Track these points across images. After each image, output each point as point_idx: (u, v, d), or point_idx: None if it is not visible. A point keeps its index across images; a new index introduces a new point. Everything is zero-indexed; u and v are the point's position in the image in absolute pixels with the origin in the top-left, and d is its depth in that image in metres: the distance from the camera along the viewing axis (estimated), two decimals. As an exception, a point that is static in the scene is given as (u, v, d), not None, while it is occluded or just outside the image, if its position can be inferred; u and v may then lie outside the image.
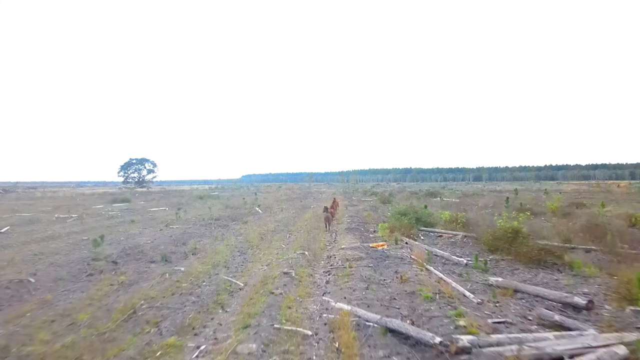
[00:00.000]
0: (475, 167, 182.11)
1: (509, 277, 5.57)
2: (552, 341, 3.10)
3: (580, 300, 4.09)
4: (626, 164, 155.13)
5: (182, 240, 9.41)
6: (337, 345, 3.37)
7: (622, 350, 2.88)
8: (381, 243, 8.22)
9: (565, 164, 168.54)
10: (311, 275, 6.01)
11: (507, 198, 14.01)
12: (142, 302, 4.54)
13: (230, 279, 5.74)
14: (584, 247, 7.26)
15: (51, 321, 4.01)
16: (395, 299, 4.66)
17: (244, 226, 12.49)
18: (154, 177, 74.98)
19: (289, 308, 4.36)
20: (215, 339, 3.56)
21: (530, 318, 3.91)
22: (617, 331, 3.31)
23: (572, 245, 7.33)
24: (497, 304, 4.40)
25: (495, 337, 3.26)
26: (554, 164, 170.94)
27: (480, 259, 6.38)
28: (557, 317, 3.70)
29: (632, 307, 3.98)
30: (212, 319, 4.13)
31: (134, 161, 74.07)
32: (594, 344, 3.00)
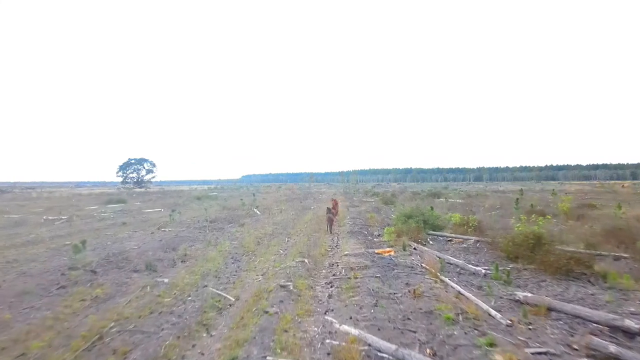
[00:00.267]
0: (475, 167, 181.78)
1: (536, 291, 4.90)
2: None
3: (633, 324, 3.43)
4: (627, 164, 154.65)
5: (172, 245, 8.74)
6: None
7: None
8: (388, 249, 7.55)
9: (566, 164, 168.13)
10: (311, 287, 5.33)
11: (517, 199, 13.33)
12: (113, 324, 3.86)
13: (220, 292, 5.07)
14: (611, 254, 6.59)
15: (-1, 350, 3.34)
16: (409, 318, 3.99)
17: (241, 229, 11.82)
18: (153, 177, 74.43)
19: (286, 332, 3.68)
20: (194, 376, 2.90)
21: (576, 347, 3.24)
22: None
23: (598, 252, 6.66)
24: (530, 327, 3.73)
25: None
26: (554, 164, 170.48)
27: (499, 268, 5.72)
28: (612, 347, 3.03)
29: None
30: (193, 346, 3.46)
31: (133, 161, 73.49)
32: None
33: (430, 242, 8.60)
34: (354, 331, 3.58)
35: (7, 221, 14.18)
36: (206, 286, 5.38)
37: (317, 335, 3.64)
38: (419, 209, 11.20)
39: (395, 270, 6.05)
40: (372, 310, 4.25)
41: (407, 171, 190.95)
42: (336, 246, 8.76)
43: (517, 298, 4.50)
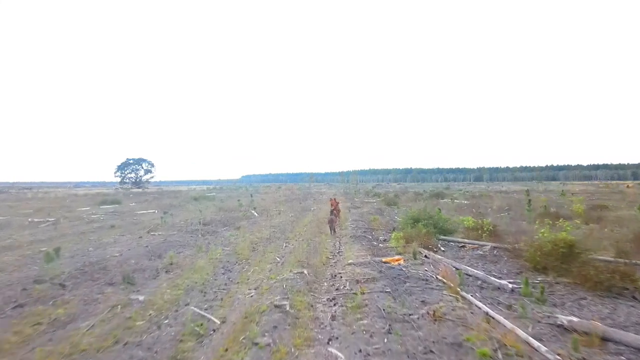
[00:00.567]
0: (475, 168, 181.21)
1: (578, 312, 4.14)
2: None
3: None
4: (628, 164, 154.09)
5: (158, 252, 7.97)
6: None
7: None
8: (396, 257, 6.78)
9: (566, 164, 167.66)
10: (311, 305, 4.56)
11: (529, 201, 12.56)
12: (63, 360, 3.10)
13: (203, 312, 4.30)
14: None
15: None
16: (432, 351, 3.23)
17: (236, 233, 11.04)
18: (151, 177, 73.70)
19: (279, 372, 2.92)
20: None
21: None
22: None
23: (635, 262, 5.89)
24: (586, 365, 2.97)
25: None
26: (555, 165, 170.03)
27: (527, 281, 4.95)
28: None
29: None
30: (159, 395, 2.70)
31: (131, 161, 72.74)
32: None
33: (442, 249, 7.83)
34: (365, 372, 2.82)
35: (-11, 224, 13.40)
36: (188, 304, 4.60)
37: (318, 378, 2.87)
38: (426, 211, 10.43)
39: (408, 284, 5.28)
40: (385, 340, 3.49)
41: (407, 171, 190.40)
42: (338, 252, 8.00)
43: (560, 322, 3.73)
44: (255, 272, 6.28)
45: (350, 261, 6.77)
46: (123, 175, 71.19)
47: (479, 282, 5.36)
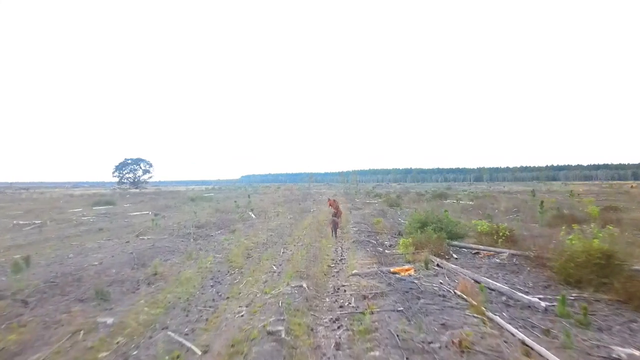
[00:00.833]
0: (475, 168, 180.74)
1: (630, 338, 3.45)
2: None
3: None
4: (628, 164, 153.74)
5: (143, 260, 7.27)
6: None
7: None
8: (406, 267, 6.08)
9: (566, 164, 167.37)
10: (311, 329, 3.86)
11: (542, 202, 11.87)
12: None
13: (183, 339, 3.60)
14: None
15: None
16: (465, 399, 2.53)
17: (230, 237, 10.34)
18: (150, 177, 72.94)
19: None
20: None
21: None
22: None
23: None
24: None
25: None
26: (555, 164, 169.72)
27: (554, 295, 4.26)
28: None
29: None
30: None
31: (129, 161, 71.99)
32: None
33: (454, 256, 7.14)
34: None
35: (-29, 227, 12.69)
36: (166, 328, 3.90)
37: None
38: (434, 213, 9.74)
39: (422, 300, 4.58)
40: (404, 380, 2.79)
41: (407, 171, 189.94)
42: (341, 260, 7.30)
43: (617, 356, 3.04)
44: (249, 285, 5.59)
45: (354, 271, 6.07)
46: (121, 175, 70.48)
47: (504, 298, 4.66)
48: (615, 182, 74.20)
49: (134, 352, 3.35)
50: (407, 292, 4.93)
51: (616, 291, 4.29)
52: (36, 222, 14.12)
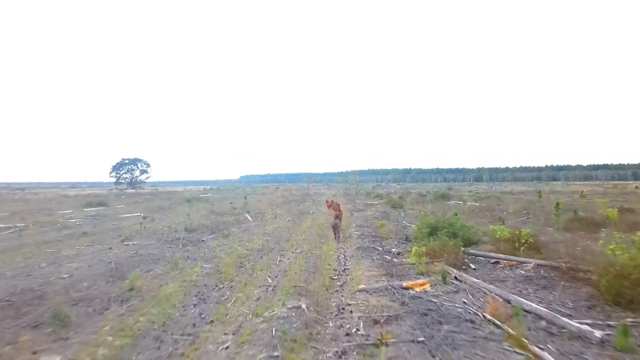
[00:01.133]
0: (475, 168, 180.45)
1: None
2: None
3: None
4: (628, 164, 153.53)
5: (122, 270, 6.46)
6: None
7: None
8: (421, 281, 5.28)
9: (566, 165, 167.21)
10: (312, 369, 3.07)
11: (557, 204, 11.09)
12: None
13: (146, 386, 2.81)
14: None
15: None
16: None
17: (223, 242, 9.54)
18: (147, 177, 72.12)
19: None
20: None
21: None
22: None
23: None
24: None
25: None
26: (554, 165, 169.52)
27: (605, 319, 3.49)
28: None
29: None
30: None
31: (127, 161, 71.16)
32: None
33: (472, 266, 6.35)
34: None
35: (-54, 230, 11.85)
36: (129, 367, 3.11)
37: None
38: (444, 217, 8.95)
39: (446, 327, 3.79)
40: None
41: (407, 171, 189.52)
42: (344, 271, 6.50)
43: None
44: (238, 303, 4.79)
45: (361, 286, 5.27)
46: (118, 175, 69.67)
47: (544, 323, 3.87)
48: (616, 182, 73.36)
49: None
50: (425, 314, 4.14)
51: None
52: (18, 225, 13.30)
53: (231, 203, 19.07)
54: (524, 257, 6.46)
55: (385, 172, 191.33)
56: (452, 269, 5.91)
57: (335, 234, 9.61)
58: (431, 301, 4.55)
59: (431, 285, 5.14)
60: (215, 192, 47.33)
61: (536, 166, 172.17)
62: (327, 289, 5.37)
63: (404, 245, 8.42)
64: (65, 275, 6.05)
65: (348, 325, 3.97)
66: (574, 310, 4.24)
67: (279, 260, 7.32)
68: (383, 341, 3.48)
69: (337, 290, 5.31)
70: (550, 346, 3.36)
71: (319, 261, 7.14)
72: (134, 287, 5.40)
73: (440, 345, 3.39)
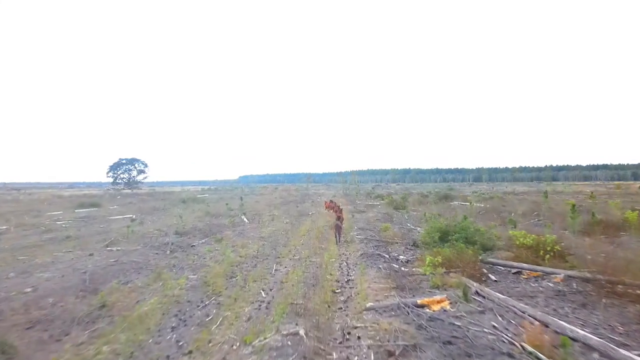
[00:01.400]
0: (474, 168, 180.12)
1: None
2: None
3: None
4: (627, 164, 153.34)
5: (98, 282, 5.72)
6: None
7: None
8: (438, 297, 4.55)
9: (565, 165, 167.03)
10: None
11: (573, 205, 10.37)
12: None
13: None
14: None
15: None
16: None
17: (215, 247, 8.81)
18: (145, 177, 71.25)
19: None
20: None
21: None
22: None
23: None
24: None
25: None
26: (554, 165, 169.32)
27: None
28: None
29: None
30: None
31: (124, 161, 70.30)
32: None
33: (492, 277, 5.63)
34: None
35: None
36: None
37: None
38: (455, 220, 8.24)
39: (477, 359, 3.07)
40: None
41: (406, 172, 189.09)
42: (348, 282, 5.78)
43: None
44: (225, 325, 4.06)
45: (369, 304, 4.53)
46: (115, 175, 68.87)
47: (596, 356, 3.16)
48: (617, 182, 72.67)
49: None
50: (449, 342, 3.42)
51: None
52: (0, 228, 12.54)
53: (227, 204, 18.32)
54: (549, 267, 5.74)
55: (385, 172, 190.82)
56: (470, 281, 5.19)
57: (336, 236, 9.23)
58: (454, 324, 3.83)
59: (450, 303, 4.42)
60: (212, 193, 46.54)
61: (535, 166, 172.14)
62: (329, 306, 4.64)
63: (412, 252, 7.69)
64: (29, 290, 5.30)
65: (356, 358, 3.25)
66: (627, 336, 3.52)
67: (275, 269, 6.59)
68: (401, 383, 2.75)
69: (341, 308, 4.59)
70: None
71: (319, 270, 6.42)
72: (105, 304, 4.66)
73: (475, 389, 2.67)
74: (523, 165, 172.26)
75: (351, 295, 5.05)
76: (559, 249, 5.98)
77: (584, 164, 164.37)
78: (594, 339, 3.31)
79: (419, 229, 11.25)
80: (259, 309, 4.55)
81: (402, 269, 6.38)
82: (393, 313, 4.23)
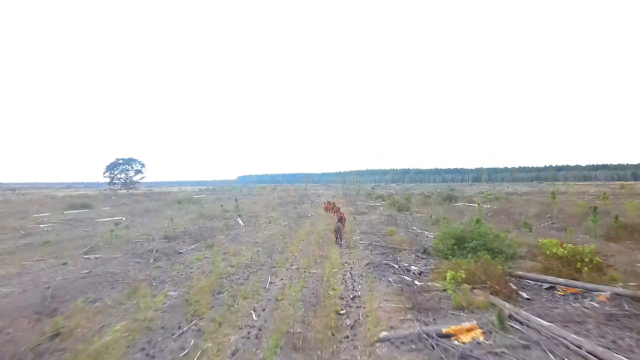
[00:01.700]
0: (473, 168, 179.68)
1: None
2: None
3: None
4: (627, 164, 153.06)
5: (61, 299, 4.88)
6: None
7: None
8: (467, 325, 3.72)
9: (565, 165, 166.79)
10: None
11: (595, 208, 9.57)
12: None
13: None
14: None
15: None
16: None
17: (205, 254, 7.97)
18: (142, 177, 70.39)
19: None
20: None
21: None
22: None
23: None
24: None
25: None
26: (553, 165, 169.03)
27: None
28: None
29: None
30: None
31: (121, 161, 69.46)
32: None
33: (523, 294, 4.80)
34: None
35: None
36: None
37: None
38: (471, 225, 7.41)
39: None
40: None
41: (405, 172, 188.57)
42: (354, 299, 4.94)
43: None
44: (203, 363, 3.22)
45: (382, 333, 3.70)
46: (112, 176, 68.00)
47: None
48: (620, 182, 71.90)
49: None
50: (493, 395, 2.58)
51: None
52: (-24, 231, 11.66)
53: (221, 206, 17.46)
54: (589, 282, 4.92)
55: (384, 172, 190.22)
56: (500, 300, 4.37)
57: (337, 239, 8.84)
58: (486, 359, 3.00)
59: (483, 332, 3.59)
60: (210, 193, 45.68)
61: (535, 166, 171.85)
62: (332, 333, 3.80)
63: (424, 261, 6.86)
64: (-26, 311, 4.45)
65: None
66: None
67: (270, 282, 5.76)
68: None
69: (348, 337, 3.75)
70: None
71: (320, 284, 5.59)
72: (60, 332, 3.82)
73: None
74: (522, 166, 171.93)
75: (359, 318, 4.22)
76: (599, 260, 5.14)
77: (583, 164, 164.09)
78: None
79: (426, 233, 10.43)
80: (248, 339, 3.71)
81: (416, 282, 5.54)
82: (414, 346, 3.40)
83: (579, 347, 3.17)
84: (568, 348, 3.21)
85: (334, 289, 5.35)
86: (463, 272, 4.67)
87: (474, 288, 4.75)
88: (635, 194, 30.30)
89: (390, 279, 5.74)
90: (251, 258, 7.55)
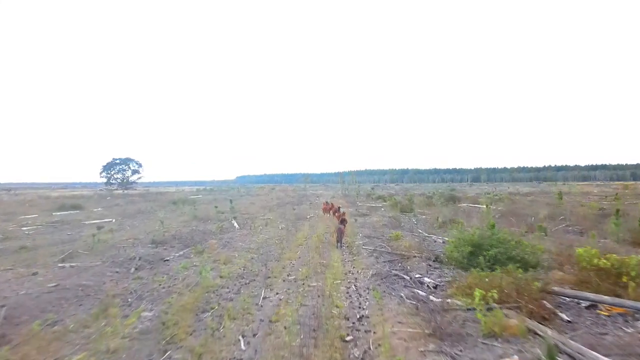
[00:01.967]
0: (472, 168, 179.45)
1: None
2: None
3: None
4: (626, 164, 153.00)
5: (15, 321, 4.12)
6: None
7: None
8: (507, 361, 2.98)
9: (564, 165, 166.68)
10: None
11: (618, 210, 8.86)
12: None
13: None
14: None
15: None
16: None
17: (193, 262, 7.22)
18: (139, 177, 69.60)
19: None
20: None
21: None
22: None
23: None
24: None
25: None
26: (553, 165, 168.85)
27: None
28: None
29: None
30: None
31: (118, 161, 68.67)
32: None
33: (563, 316, 4.07)
34: None
35: None
36: None
37: None
38: (490, 231, 6.66)
39: None
40: None
41: (404, 172, 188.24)
42: (360, 320, 4.19)
43: None
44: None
45: (401, 372, 2.96)
46: (109, 176, 67.16)
47: None
48: (621, 182, 71.40)
49: None
50: None
51: None
52: (-49, 235, 10.87)
53: (216, 207, 16.69)
54: (636, 299, 4.18)
55: (383, 172, 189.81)
56: (537, 324, 3.64)
57: (337, 241, 8.51)
58: None
59: (528, 371, 2.84)
60: (207, 193, 44.86)
61: (534, 166, 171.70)
62: (338, 371, 3.05)
63: (437, 272, 6.12)
64: None
65: None
66: None
67: (263, 298, 5.00)
68: None
69: (357, 375, 3.00)
70: None
71: (321, 300, 4.84)
72: (-1, 369, 3.07)
73: None
74: (521, 166, 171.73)
75: (369, 348, 3.47)
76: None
77: (583, 164, 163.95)
78: None
79: (434, 237, 9.70)
80: (232, 380, 2.96)
81: (432, 298, 4.80)
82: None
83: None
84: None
85: (337, 306, 4.60)
86: (495, 291, 3.91)
87: (504, 307, 4.01)
88: (637, 194, 29.71)
89: (401, 294, 5.00)
90: (244, 266, 6.80)
